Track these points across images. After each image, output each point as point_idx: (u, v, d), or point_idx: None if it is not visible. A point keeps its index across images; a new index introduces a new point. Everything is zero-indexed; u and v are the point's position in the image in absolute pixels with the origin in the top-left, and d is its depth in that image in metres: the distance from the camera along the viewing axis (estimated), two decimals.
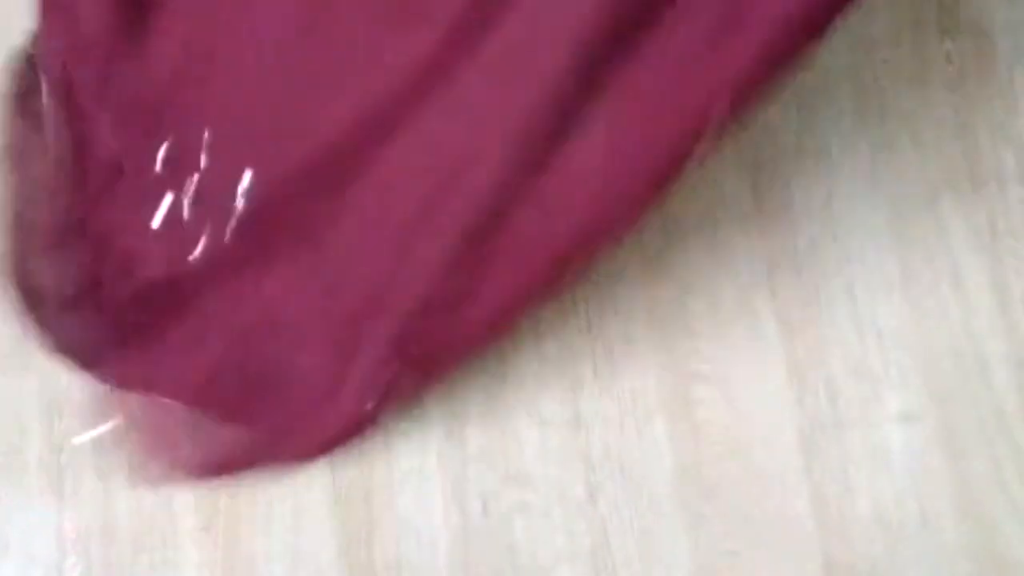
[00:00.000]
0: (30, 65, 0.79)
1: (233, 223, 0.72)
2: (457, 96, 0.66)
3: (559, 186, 0.65)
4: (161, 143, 0.75)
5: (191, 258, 0.74)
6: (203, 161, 0.73)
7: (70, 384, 0.81)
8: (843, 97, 0.88)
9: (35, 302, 0.78)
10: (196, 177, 0.73)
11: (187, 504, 0.79)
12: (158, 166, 0.75)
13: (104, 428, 0.80)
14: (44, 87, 0.77)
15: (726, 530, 0.78)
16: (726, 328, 0.83)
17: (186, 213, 0.74)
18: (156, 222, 0.75)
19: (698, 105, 0.62)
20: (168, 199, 0.75)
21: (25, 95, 0.79)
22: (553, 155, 0.64)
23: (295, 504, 0.79)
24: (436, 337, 0.72)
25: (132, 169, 0.76)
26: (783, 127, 0.87)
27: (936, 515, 0.78)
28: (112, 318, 0.77)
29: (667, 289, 0.84)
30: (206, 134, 0.73)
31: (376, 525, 0.79)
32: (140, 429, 0.79)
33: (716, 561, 0.77)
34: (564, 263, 0.69)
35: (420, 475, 0.80)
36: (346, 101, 0.68)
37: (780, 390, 0.81)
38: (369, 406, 0.75)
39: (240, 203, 0.72)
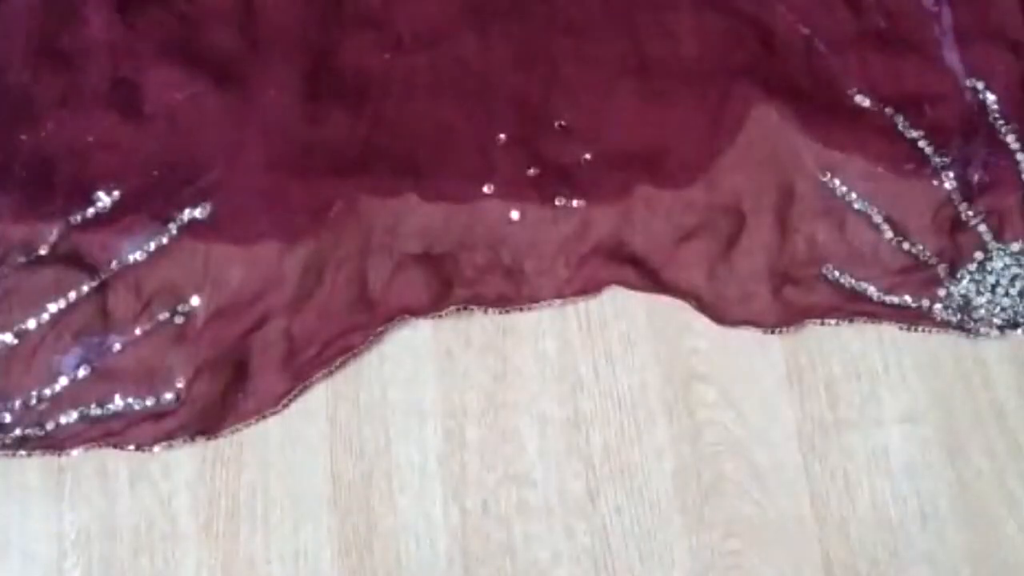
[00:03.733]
0: None
1: None
2: None
3: None
4: None
5: None
6: None
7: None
8: None
9: None
10: None
11: (187, 504, 0.79)
12: None
13: None
14: None
15: (726, 530, 0.78)
16: (726, 328, 0.83)
17: None
18: None
19: None
20: None
21: None
22: None
23: (295, 504, 0.79)
24: None
25: None
26: None
27: (936, 515, 0.78)
28: None
29: None
30: None
31: (376, 525, 0.79)
32: None
33: (716, 561, 0.77)
34: None
35: (420, 475, 0.80)
36: None
37: (780, 390, 0.81)
38: None
39: None
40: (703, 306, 0.82)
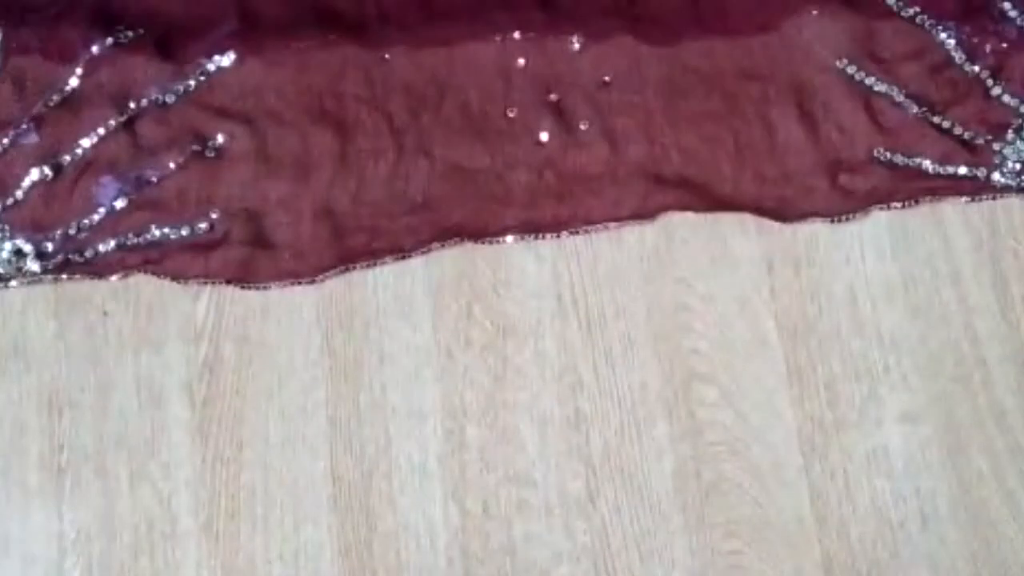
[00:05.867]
0: None
1: None
2: None
3: None
4: None
5: None
6: None
7: (70, 384, 0.82)
8: None
9: None
10: None
11: (187, 504, 0.79)
12: None
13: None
14: None
15: (726, 530, 0.78)
16: (726, 328, 0.83)
17: None
18: None
19: None
20: None
21: None
22: None
23: (295, 504, 0.79)
24: None
25: None
26: None
27: (936, 515, 0.78)
28: None
29: (667, 289, 0.84)
30: None
31: (376, 525, 0.79)
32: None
33: (716, 561, 0.78)
34: None
35: (420, 475, 0.80)
36: None
37: (780, 390, 0.81)
38: None
39: None
40: (764, 211, 0.84)
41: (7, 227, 0.82)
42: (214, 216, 0.84)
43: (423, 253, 0.83)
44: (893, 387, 0.81)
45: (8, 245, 0.82)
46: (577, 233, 0.84)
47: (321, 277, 0.83)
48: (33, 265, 0.82)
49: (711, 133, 0.86)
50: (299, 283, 0.83)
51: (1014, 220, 0.85)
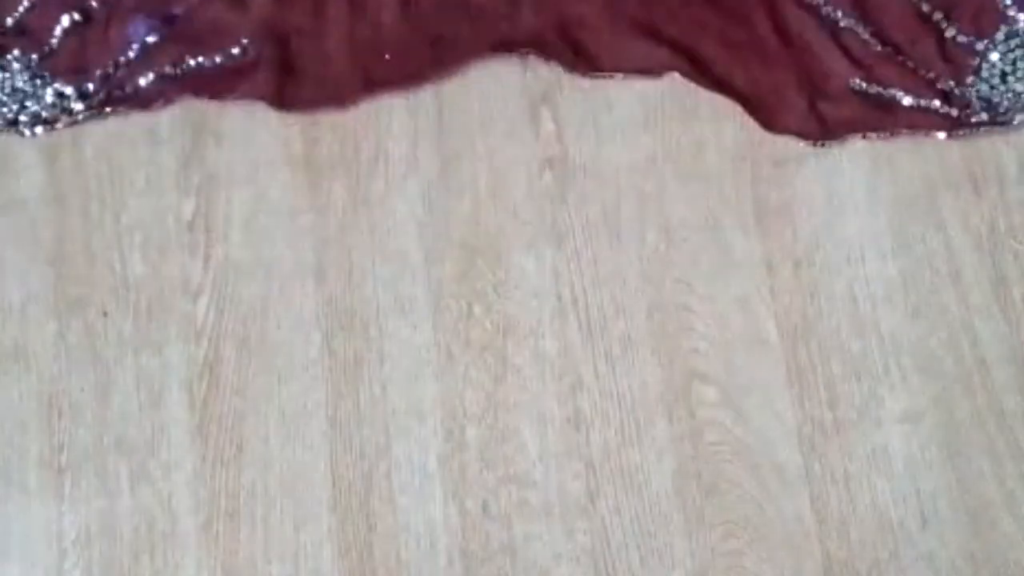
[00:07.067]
0: None
1: None
2: None
3: None
4: None
5: None
6: None
7: (70, 384, 0.82)
8: None
9: None
10: None
11: (187, 504, 0.79)
12: None
13: None
14: None
15: (726, 530, 0.78)
16: (726, 328, 0.83)
17: None
18: None
19: None
20: None
21: None
22: None
23: (295, 504, 0.79)
24: None
25: None
26: None
27: (936, 515, 0.78)
28: None
29: (667, 289, 0.84)
30: None
31: (376, 525, 0.79)
32: None
33: (716, 561, 0.78)
34: None
35: (420, 475, 0.80)
36: None
37: (780, 390, 0.81)
38: None
39: None
40: (753, 109, 0.86)
41: (46, 74, 0.85)
42: (245, 42, 0.87)
43: (440, 79, 0.87)
44: (893, 387, 0.81)
45: (50, 90, 0.84)
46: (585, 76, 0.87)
47: (355, 103, 0.86)
48: (77, 105, 0.84)
49: (701, 20, 0.88)
50: (332, 108, 0.86)
51: (1014, 220, 0.85)
